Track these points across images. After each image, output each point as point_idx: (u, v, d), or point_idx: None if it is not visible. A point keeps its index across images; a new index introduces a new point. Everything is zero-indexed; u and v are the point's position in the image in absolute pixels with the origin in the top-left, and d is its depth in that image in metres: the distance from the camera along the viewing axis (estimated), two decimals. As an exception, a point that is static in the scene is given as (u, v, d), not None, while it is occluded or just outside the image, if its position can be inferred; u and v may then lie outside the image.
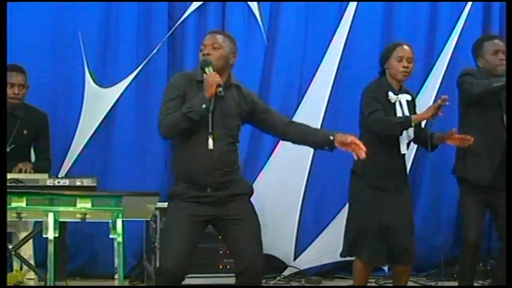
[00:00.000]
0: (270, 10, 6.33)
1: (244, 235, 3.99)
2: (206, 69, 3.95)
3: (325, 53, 6.39)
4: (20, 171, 4.91)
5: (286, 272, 6.33)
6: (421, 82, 6.43)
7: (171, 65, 6.18)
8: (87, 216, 4.08)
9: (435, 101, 6.17)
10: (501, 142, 4.94)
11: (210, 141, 3.90)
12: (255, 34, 6.30)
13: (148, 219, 5.49)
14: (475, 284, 5.45)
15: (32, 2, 5.89)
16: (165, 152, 5.90)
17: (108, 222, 4.12)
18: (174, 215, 4.01)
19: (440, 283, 5.90)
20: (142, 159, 6.13)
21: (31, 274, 4.91)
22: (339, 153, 5.95)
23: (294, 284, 6.20)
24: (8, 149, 5.08)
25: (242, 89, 4.14)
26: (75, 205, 4.05)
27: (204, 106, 3.87)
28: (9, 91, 5.08)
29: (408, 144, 4.82)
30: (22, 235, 4.88)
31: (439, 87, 6.42)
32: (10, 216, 4.01)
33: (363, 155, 4.00)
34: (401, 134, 4.72)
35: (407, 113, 4.77)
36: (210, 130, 3.91)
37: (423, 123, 4.88)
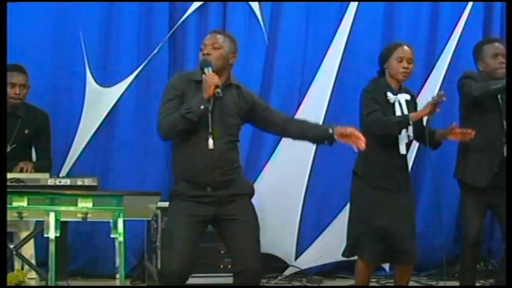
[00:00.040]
0: (271, 10, 6.33)
1: (242, 235, 3.99)
2: (205, 70, 3.95)
3: (326, 53, 6.39)
4: (21, 170, 4.92)
5: (287, 272, 6.33)
6: (421, 82, 6.43)
7: (172, 65, 6.18)
8: (88, 215, 4.08)
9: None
10: (500, 145, 4.96)
11: (210, 140, 3.90)
12: (256, 34, 6.30)
13: (149, 219, 5.50)
14: (477, 284, 5.45)
15: (33, 2, 5.89)
16: (166, 152, 5.89)
17: (109, 222, 4.13)
18: (175, 215, 4.01)
19: (441, 283, 5.90)
20: (143, 158, 6.13)
21: (32, 274, 4.91)
22: (340, 153, 5.99)
23: (295, 283, 6.20)
24: (9, 149, 5.09)
25: (241, 88, 4.14)
26: (76, 205, 4.05)
27: (202, 107, 3.88)
28: (11, 91, 5.08)
29: (409, 145, 4.83)
30: (23, 234, 4.88)
31: (440, 87, 6.41)
32: (11, 216, 4.02)
33: (363, 145, 4.00)
34: (400, 133, 4.72)
35: (406, 112, 4.78)
36: (210, 130, 3.91)
37: (424, 122, 4.88)
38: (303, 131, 4.18)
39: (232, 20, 6.21)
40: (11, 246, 4.65)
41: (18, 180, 4.36)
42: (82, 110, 6.04)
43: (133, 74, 6.10)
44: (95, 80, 6.05)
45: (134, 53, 6.12)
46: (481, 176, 4.98)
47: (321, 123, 6.16)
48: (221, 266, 5.61)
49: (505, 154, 4.95)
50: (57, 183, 4.44)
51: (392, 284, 5.23)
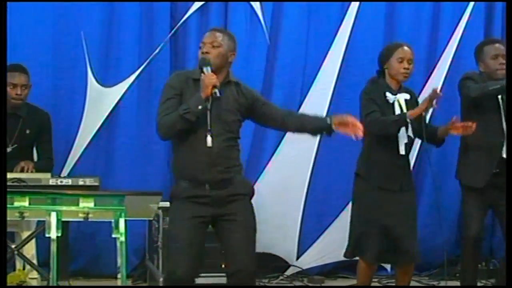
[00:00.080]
0: (272, 10, 6.33)
1: (237, 236, 3.99)
2: (204, 69, 3.97)
3: (327, 52, 6.39)
4: (22, 170, 4.92)
5: (289, 272, 6.33)
6: (423, 83, 6.42)
7: (173, 65, 6.18)
8: (90, 215, 4.08)
9: (436, 100, 6.19)
10: (500, 145, 4.97)
11: (209, 138, 3.91)
12: (257, 33, 6.30)
13: (151, 219, 5.50)
14: (478, 284, 5.45)
15: (35, 2, 5.89)
16: (167, 152, 5.89)
17: (110, 222, 4.12)
18: (177, 218, 4.02)
19: (443, 283, 5.90)
20: (144, 158, 6.13)
21: (34, 274, 4.91)
22: (341, 152, 6.01)
23: (296, 283, 6.20)
24: (10, 149, 5.09)
25: (241, 85, 4.15)
26: (77, 205, 4.05)
27: (200, 107, 3.90)
28: (12, 92, 5.08)
29: (409, 145, 4.83)
30: (25, 234, 4.89)
31: (441, 88, 6.40)
32: (13, 216, 4.01)
33: (360, 134, 4.00)
34: (398, 132, 4.73)
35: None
36: (208, 128, 3.92)
37: (427, 119, 4.88)
38: (302, 124, 4.21)
39: (233, 20, 6.21)
40: (13, 246, 4.66)
41: (19, 180, 4.37)
42: (83, 110, 6.05)
43: (135, 74, 6.10)
44: (96, 80, 6.06)
45: (136, 53, 6.12)
46: (479, 177, 5.00)
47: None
48: (223, 266, 5.60)
49: (504, 155, 4.96)
50: (59, 183, 4.46)
51: (394, 284, 5.22)
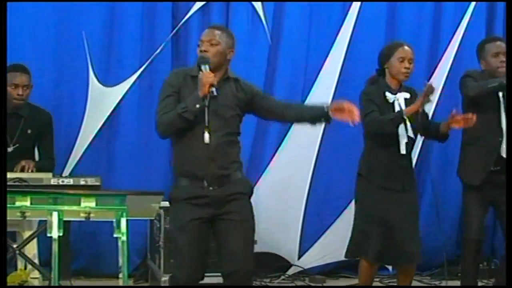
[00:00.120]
0: (274, 10, 6.33)
1: (235, 235, 3.98)
2: (202, 67, 3.98)
3: (328, 53, 6.39)
4: (22, 169, 4.92)
5: (290, 271, 6.33)
6: (424, 83, 6.41)
7: (174, 65, 6.17)
8: (91, 215, 4.08)
9: (438, 99, 6.21)
10: (497, 143, 4.98)
11: (206, 135, 3.92)
12: (258, 33, 6.30)
13: (152, 218, 5.50)
14: (479, 284, 5.45)
15: (36, 2, 5.90)
16: (168, 151, 5.87)
17: (112, 221, 4.12)
18: (178, 221, 4.01)
19: (444, 283, 5.90)
20: (146, 158, 6.14)
21: (36, 273, 4.90)
22: (342, 152, 6.02)
23: (298, 283, 6.20)
24: (12, 149, 5.10)
25: (240, 81, 4.15)
26: (79, 204, 4.05)
27: (198, 106, 3.90)
28: (14, 92, 5.08)
29: (410, 145, 4.83)
30: (26, 234, 4.89)
31: (443, 87, 6.41)
32: (14, 215, 4.01)
33: (356, 119, 4.00)
34: (397, 129, 4.73)
35: (406, 111, 4.80)
36: (206, 124, 3.93)
37: (430, 116, 4.88)
38: (301, 114, 4.23)
39: (235, 19, 6.22)
40: (14, 246, 4.66)
41: (21, 179, 4.37)
42: (85, 110, 6.05)
43: (136, 73, 6.11)
44: (98, 80, 6.06)
45: (137, 53, 6.12)
46: (476, 174, 5.01)
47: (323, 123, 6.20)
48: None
49: (502, 153, 4.96)
50: (60, 183, 4.46)
51: (396, 284, 5.23)
